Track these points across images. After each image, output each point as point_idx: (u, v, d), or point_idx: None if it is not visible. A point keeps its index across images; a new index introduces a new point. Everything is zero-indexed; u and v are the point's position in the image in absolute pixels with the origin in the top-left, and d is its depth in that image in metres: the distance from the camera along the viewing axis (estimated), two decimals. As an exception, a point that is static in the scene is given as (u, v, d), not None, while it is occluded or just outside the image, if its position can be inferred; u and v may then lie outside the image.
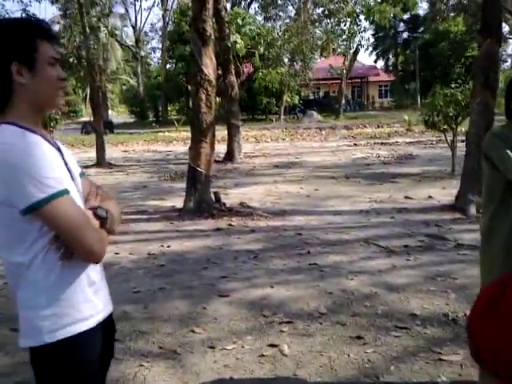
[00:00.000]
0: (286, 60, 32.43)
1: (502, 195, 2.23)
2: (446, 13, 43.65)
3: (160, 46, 45.55)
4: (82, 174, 1.59)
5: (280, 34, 30.02)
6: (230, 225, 6.74)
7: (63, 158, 1.48)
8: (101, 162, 14.20)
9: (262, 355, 3.15)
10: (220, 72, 12.89)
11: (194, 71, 7.55)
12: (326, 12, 27.90)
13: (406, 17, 46.44)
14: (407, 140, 18.59)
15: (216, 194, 7.75)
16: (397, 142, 18.17)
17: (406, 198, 8.20)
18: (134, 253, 5.57)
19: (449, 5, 43.64)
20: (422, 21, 47.65)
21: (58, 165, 1.42)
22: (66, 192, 1.38)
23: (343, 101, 37.85)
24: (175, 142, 21.97)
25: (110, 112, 44.60)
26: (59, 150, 1.50)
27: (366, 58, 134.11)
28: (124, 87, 49.64)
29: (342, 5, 26.33)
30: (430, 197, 8.16)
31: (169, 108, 43.34)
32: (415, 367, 2.95)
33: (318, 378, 2.89)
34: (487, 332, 1.42)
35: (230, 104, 14.62)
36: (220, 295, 4.19)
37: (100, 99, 16.48)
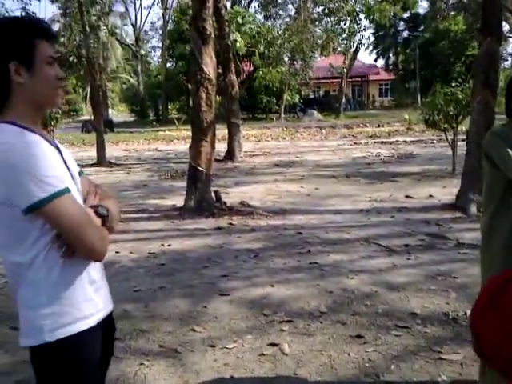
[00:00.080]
0: (286, 59, 32.47)
1: (502, 194, 2.23)
2: (446, 11, 43.60)
3: (160, 44, 45.62)
4: (80, 173, 1.59)
5: (280, 32, 30.03)
6: (230, 224, 6.73)
7: (62, 158, 1.48)
8: (101, 160, 14.20)
9: (263, 354, 3.15)
10: (220, 71, 12.90)
11: (194, 70, 7.55)
12: (326, 11, 27.89)
13: (406, 15, 46.38)
14: (407, 139, 18.58)
15: (216, 192, 7.75)
16: (397, 141, 18.16)
17: (407, 197, 8.19)
18: (135, 252, 5.58)
19: (449, 3, 43.58)
20: (422, 19, 47.59)
21: (58, 164, 1.42)
22: (67, 190, 1.38)
23: (343, 100, 37.86)
24: (176, 141, 21.98)
25: (110, 111, 44.59)
26: (58, 149, 1.50)
27: (366, 56, 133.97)
28: (124, 86, 49.63)
29: (342, 3, 26.33)
30: (430, 196, 8.16)
31: (169, 107, 43.32)
32: (415, 366, 2.95)
33: (319, 377, 2.89)
34: (488, 329, 1.42)
35: (230, 103, 14.62)
36: (220, 294, 4.19)
37: (100, 98, 16.47)
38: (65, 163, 1.48)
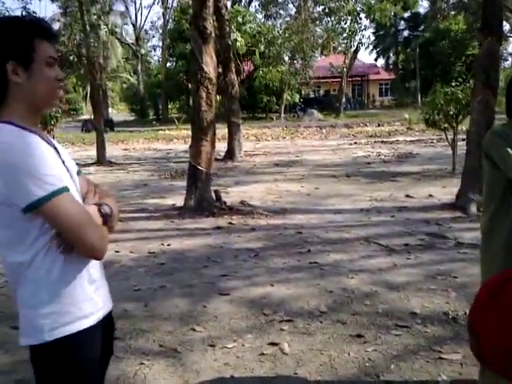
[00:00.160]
0: (286, 58, 32.46)
1: (502, 194, 2.23)
2: (446, 11, 43.55)
3: (160, 44, 45.54)
4: (79, 173, 1.59)
5: (280, 32, 30.04)
6: (230, 223, 6.73)
7: (60, 157, 1.49)
8: (101, 160, 14.20)
9: (263, 354, 3.15)
10: (220, 70, 12.90)
11: (195, 69, 7.55)
12: (327, 10, 27.93)
13: (406, 15, 46.38)
14: (408, 138, 18.58)
15: (216, 192, 7.75)
16: (397, 140, 18.16)
17: (407, 196, 8.19)
18: (135, 251, 5.58)
19: (449, 3, 43.52)
20: (422, 19, 47.57)
21: (56, 163, 1.42)
22: (65, 189, 1.38)
23: (343, 99, 37.85)
24: (175, 140, 21.97)
25: (110, 110, 44.61)
26: (55, 148, 1.50)
27: (366, 56, 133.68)
28: (124, 85, 49.64)
29: (342, 3, 26.36)
30: (430, 195, 8.16)
31: (169, 106, 43.32)
32: (415, 366, 2.95)
33: (319, 376, 2.89)
34: (488, 327, 1.41)
35: (230, 102, 14.61)
36: (220, 293, 4.19)
37: (100, 97, 16.46)
38: (63, 163, 1.48)
